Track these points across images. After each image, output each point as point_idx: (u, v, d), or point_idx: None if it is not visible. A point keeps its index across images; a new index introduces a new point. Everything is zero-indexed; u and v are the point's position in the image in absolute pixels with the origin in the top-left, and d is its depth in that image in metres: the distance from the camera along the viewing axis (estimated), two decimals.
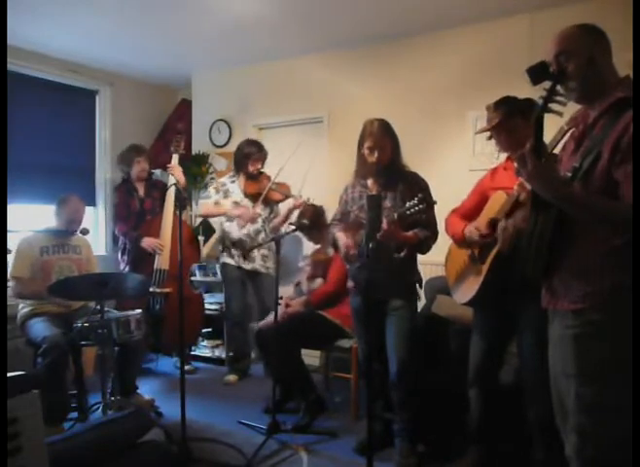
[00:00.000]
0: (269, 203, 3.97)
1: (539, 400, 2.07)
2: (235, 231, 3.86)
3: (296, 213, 3.70)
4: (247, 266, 3.87)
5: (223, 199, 3.90)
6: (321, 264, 3.43)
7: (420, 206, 2.22)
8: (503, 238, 2.07)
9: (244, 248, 3.82)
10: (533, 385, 2.14)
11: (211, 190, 3.98)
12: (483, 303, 2.27)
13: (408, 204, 2.27)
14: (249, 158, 3.82)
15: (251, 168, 3.83)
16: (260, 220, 3.89)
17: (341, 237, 2.61)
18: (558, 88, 1.53)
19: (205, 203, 4.03)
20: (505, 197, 2.13)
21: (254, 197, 3.87)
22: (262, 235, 3.88)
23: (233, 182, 3.95)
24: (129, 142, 4.38)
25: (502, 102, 2.23)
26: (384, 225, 2.27)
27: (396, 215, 2.31)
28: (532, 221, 1.62)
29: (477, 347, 2.35)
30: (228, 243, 3.90)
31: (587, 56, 1.53)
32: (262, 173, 3.90)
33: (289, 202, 3.85)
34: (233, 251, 3.87)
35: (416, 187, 2.51)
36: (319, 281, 3.42)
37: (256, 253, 3.85)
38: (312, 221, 3.37)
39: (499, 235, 2.10)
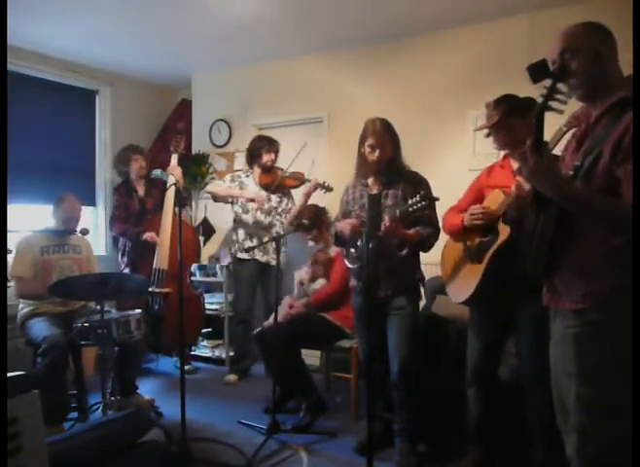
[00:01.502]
0: (285, 194, 3.96)
1: (538, 400, 2.07)
2: (250, 221, 3.86)
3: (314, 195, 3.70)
4: (262, 258, 3.86)
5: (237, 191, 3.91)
6: (323, 264, 3.42)
7: (423, 203, 2.22)
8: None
9: (259, 235, 3.79)
10: (532, 385, 2.14)
11: (227, 177, 3.97)
12: (480, 302, 2.26)
13: (410, 201, 2.27)
14: (262, 149, 3.82)
15: (265, 159, 3.82)
16: (273, 212, 3.89)
17: (345, 221, 2.59)
18: (559, 86, 1.53)
19: (218, 183, 4.01)
20: (502, 195, 2.13)
21: (268, 188, 3.87)
22: (275, 228, 3.87)
23: (248, 176, 3.95)
24: (130, 142, 4.38)
25: (501, 100, 2.23)
26: (386, 221, 2.28)
27: (398, 212, 2.31)
28: (533, 219, 1.62)
29: (474, 347, 2.35)
30: (241, 235, 3.88)
31: (593, 54, 1.52)
32: (275, 166, 3.90)
33: (304, 189, 3.81)
34: (247, 242, 3.83)
35: (417, 185, 2.52)
36: (321, 282, 3.42)
37: (269, 246, 3.81)
38: (312, 220, 3.37)
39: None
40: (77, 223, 3.33)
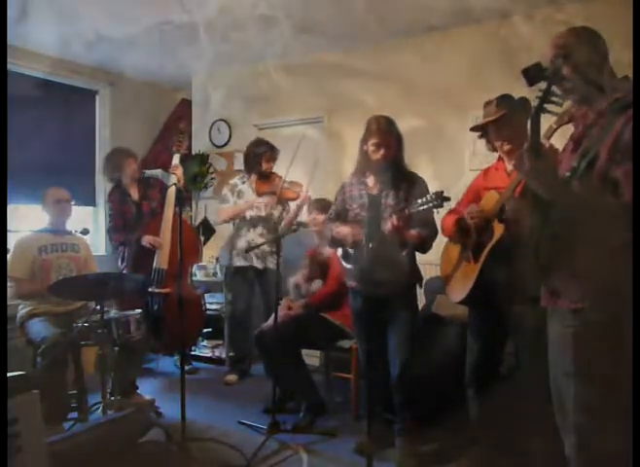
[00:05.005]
0: (283, 203, 3.93)
1: (537, 400, 2.07)
2: (247, 234, 3.84)
3: (305, 209, 3.69)
4: (260, 265, 3.84)
5: (238, 201, 3.87)
6: (318, 264, 3.40)
7: (435, 203, 2.18)
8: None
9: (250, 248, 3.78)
10: (530, 385, 2.14)
11: (227, 192, 3.92)
12: (477, 301, 2.27)
13: (420, 201, 2.23)
14: (262, 156, 3.77)
15: (264, 167, 3.79)
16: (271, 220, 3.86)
17: (345, 228, 2.58)
18: (554, 89, 1.54)
19: (223, 209, 3.93)
20: (497, 196, 2.15)
21: (267, 197, 3.84)
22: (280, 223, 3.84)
23: (244, 183, 3.91)
24: (130, 142, 4.36)
25: (504, 97, 2.26)
26: (394, 220, 2.27)
27: (407, 211, 2.29)
28: (533, 219, 1.62)
29: (473, 347, 2.35)
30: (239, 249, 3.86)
31: (584, 59, 1.54)
32: (273, 173, 3.87)
33: (299, 201, 3.80)
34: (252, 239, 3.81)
35: (418, 185, 2.52)
36: (318, 283, 3.40)
37: (267, 252, 3.80)
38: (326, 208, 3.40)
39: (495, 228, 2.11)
40: (69, 205, 3.30)
